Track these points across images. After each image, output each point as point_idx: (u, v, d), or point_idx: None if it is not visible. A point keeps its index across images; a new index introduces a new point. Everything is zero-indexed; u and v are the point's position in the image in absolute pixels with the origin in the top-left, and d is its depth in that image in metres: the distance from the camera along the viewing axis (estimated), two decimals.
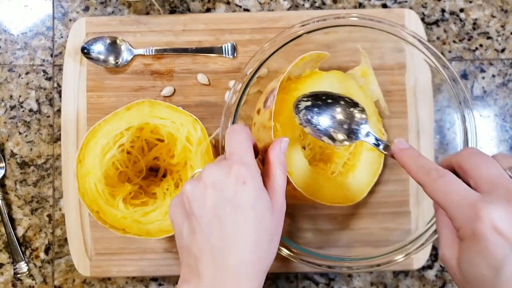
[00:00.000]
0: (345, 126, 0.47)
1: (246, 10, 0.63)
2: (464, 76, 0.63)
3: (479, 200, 0.33)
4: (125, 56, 0.61)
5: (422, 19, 0.62)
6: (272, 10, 0.63)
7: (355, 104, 0.47)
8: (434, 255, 0.61)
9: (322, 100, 0.47)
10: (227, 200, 0.37)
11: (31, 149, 0.63)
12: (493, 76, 0.63)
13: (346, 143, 0.47)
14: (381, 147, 0.45)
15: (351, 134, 0.47)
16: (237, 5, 0.63)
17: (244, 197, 0.37)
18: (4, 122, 0.63)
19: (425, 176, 0.37)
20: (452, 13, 0.63)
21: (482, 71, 0.63)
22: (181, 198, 0.39)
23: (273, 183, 0.40)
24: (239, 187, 0.37)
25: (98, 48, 0.60)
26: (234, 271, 0.36)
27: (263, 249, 0.38)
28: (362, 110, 0.47)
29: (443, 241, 0.37)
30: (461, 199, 0.34)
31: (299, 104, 0.47)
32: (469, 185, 0.36)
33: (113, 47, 0.60)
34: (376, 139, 0.46)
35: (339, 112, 0.47)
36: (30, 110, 0.63)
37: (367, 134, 0.46)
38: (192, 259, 0.38)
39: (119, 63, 0.60)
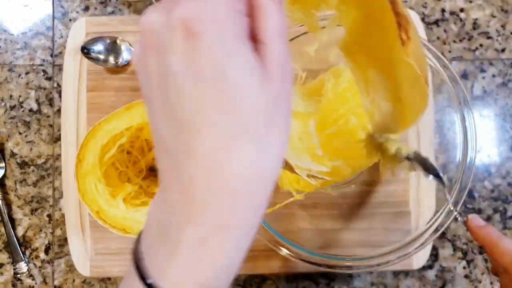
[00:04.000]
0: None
1: None
2: (464, 76, 0.63)
3: None
4: (125, 56, 0.61)
5: (422, 19, 0.62)
6: None
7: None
8: (434, 255, 0.61)
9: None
10: (175, 72, 0.23)
11: (31, 149, 0.63)
12: (493, 76, 0.62)
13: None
14: (456, 214, 0.44)
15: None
16: None
17: (201, 62, 0.23)
18: (4, 122, 0.63)
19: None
20: (452, 13, 0.63)
21: (482, 71, 0.63)
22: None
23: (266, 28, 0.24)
24: (189, 43, 0.23)
25: (98, 48, 0.60)
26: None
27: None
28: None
29: None
30: None
31: None
32: None
33: (113, 47, 0.60)
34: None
35: None
36: (30, 110, 0.63)
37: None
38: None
39: (119, 63, 0.60)
